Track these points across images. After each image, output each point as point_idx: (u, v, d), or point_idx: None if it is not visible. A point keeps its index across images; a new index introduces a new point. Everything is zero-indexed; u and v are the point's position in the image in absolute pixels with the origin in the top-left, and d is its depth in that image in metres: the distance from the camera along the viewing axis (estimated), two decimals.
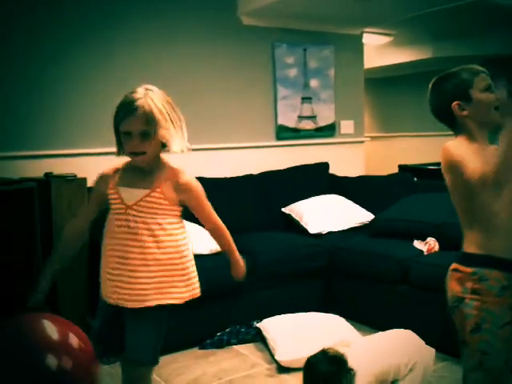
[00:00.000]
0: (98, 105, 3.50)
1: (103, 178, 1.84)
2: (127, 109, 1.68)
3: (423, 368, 2.32)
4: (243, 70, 4.27)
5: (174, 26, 3.91)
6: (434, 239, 3.18)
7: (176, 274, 1.76)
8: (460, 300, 1.63)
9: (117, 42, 3.64)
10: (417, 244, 3.20)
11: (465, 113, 1.66)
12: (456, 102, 1.67)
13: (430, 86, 1.84)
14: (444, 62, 6.27)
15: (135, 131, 1.68)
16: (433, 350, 2.40)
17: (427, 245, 3.15)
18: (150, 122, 1.67)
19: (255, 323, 3.10)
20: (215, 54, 4.11)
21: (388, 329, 2.53)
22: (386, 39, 5.78)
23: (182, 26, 3.94)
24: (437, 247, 3.15)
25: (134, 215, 1.73)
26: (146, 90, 1.72)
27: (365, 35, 5.04)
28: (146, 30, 3.77)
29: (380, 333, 2.56)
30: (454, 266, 1.69)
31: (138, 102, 1.67)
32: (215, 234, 1.93)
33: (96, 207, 1.88)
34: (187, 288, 1.79)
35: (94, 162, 3.41)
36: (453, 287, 1.66)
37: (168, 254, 1.74)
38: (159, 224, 1.74)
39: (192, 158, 4.01)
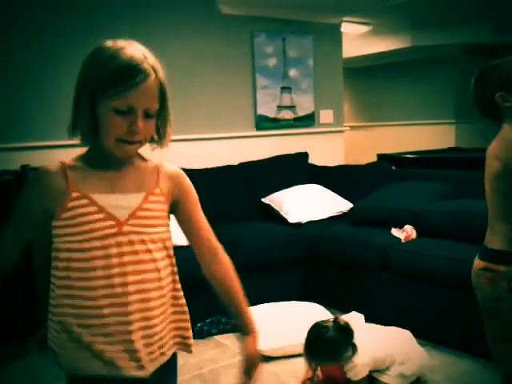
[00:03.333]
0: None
1: (47, 183, 1.15)
2: (131, 72, 1.09)
3: (418, 365, 2.37)
4: (222, 59, 4.25)
5: (152, 15, 3.87)
6: (411, 227, 3.22)
7: (177, 303, 1.28)
8: (497, 299, 1.64)
9: (96, 30, 3.60)
10: (394, 232, 3.24)
11: (508, 104, 1.66)
12: (500, 93, 1.67)
13: (473, 78, 1.81)
14: (423, 50, 6.32)
15: (140, 108, 1.12)
16: (426, 353, 2.46)
17: (405, 232, 3.18)
18: (163, 96, 1.18)
19: None
20: (194, 43, 4.09)
21: (369, 316, 2.56)
22: (365, 28, 5.79)
23: (160, 16, 3.91)
24: (414, 234, 3.19)
25: (130, 234, 1.15)
26: (139, 47, 1.15)
27: (344, 25, 5.04)
28: (127, 20, 3.72)
29: (381, 326, 2.62)
30: (481, 264, 1.68)
31: (147, 65, 1.11)
32: (215, 267, 1.32)
33: (29, 233, 1.21)
34: (187, 315, 1.32)
35: (72, 154, 3.38)
36: (485, 287, 1.67)
37: (167, 278, 1.22)
38: (157, 240, 1.19)
39: (171, 149, 4.01)
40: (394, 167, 4.24)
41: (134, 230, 1.16)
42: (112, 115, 1.12)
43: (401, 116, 7.28)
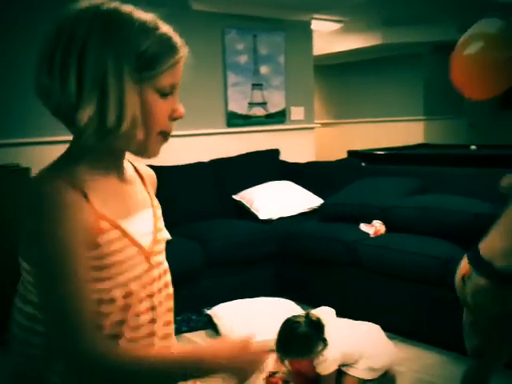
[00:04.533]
0: None
1: (76, 217, 0.82)
2: (177, 42, 0.92)
3: (387, 359, 2.40)
4: (193, 56, 4.21)
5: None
6: (380, 222, 3.25)
7: None
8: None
9: None
10: (363, 227, 3.27)
11: None
12: None
13: None
14: (393, 48, 6.40)
15: (178, 87, 0.93)
16: (394, 347, 2.49)
17: (373, 227, 3.22)
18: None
19: (206, 310, 3.10)
20: None
21: (339, 310, 2.58)
22: (336, 26, 5.83)
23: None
24: (383, 230, 3.23)
25: (158, 266, 0.97)
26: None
27: (316, 22, 5.06)
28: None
29: (351, 320, 2.64)
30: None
31: (178, 37, 0.94)
32: None
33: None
34: None
35: (39, 152, 3.32)
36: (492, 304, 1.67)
37: None
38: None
39: None
40: (363, 163, 4.29)
41: (159, 260, 0.97)
42: (157, 99, 0.87)
43: (371, 113, 7.36)
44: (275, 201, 3.84)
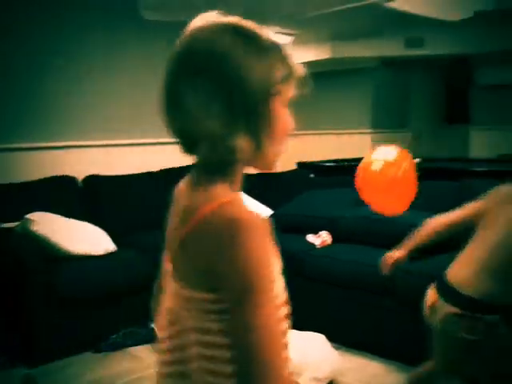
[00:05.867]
0: None
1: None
2: (291, 58, 0.90)
3: (331, 369, 2.41)
4: (146, 65, 4.17)
5: (75, 19, 3.75)
6: (327, 232, 3.29)
7: None
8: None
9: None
10: (310, 238, 3.30)
11: None
12: None
13: None
14: (342, 62, 6.53)
15: None
16: (339, 356, 2.50)
17: (320, 238, 3.26)
18: None
19: (151, 324, 3.04)
20: (116, 49, 4.00)
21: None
22: (286, 39, 5.90)
23: (81, 20, 3.80)
24: (329, 240, 3.27)
25: None
26: None
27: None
28: (40, 22, 3.58)
29: (296, 331, 2.62)
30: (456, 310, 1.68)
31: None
32: None
33: None
34: None
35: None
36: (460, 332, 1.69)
37: None
38: None
39: (92, 155, 3.92)
40: (312, 175, 4.34)
41: None
42: (285, 113, 0.89)
43: (321, 125, 7.47)
44: None
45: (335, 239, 3.29)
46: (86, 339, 2.95)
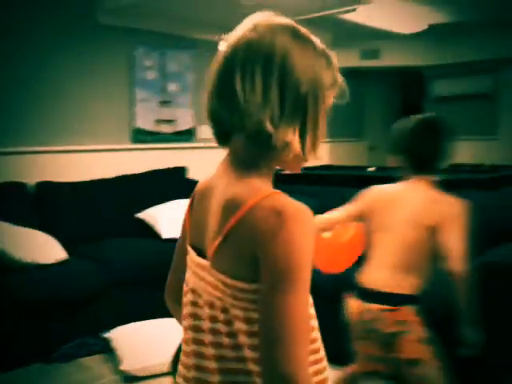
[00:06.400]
0: None
1: None
2: (335, 68, 0.95)
3: None
4: (99, 71, 4.13)
5: (29, 23, 3.68)
6: None
7: None
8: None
9: None
10: None
11: None
12: None
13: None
14: None
15: None
16: None
17: None
18: None
19: (103, 334, 3.00)
20: (71, 53, 3.93)
21: None
22: None
23: (36, 24, 3.73)
24: None
25: None
26: None
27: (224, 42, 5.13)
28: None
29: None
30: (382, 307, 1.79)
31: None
32: None
33: None
34: None
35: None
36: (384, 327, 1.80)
37: None
38: None
39: (43, 161, 3.83)
40: None
41: None
42: (325, 118, 0.92)
43: None
44: (179, 219, 3.79)
45: None
46: (36, 350, 2.88)
